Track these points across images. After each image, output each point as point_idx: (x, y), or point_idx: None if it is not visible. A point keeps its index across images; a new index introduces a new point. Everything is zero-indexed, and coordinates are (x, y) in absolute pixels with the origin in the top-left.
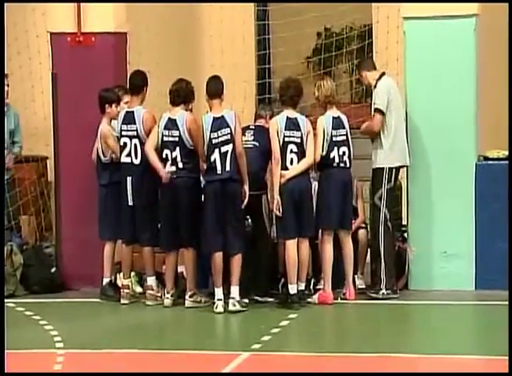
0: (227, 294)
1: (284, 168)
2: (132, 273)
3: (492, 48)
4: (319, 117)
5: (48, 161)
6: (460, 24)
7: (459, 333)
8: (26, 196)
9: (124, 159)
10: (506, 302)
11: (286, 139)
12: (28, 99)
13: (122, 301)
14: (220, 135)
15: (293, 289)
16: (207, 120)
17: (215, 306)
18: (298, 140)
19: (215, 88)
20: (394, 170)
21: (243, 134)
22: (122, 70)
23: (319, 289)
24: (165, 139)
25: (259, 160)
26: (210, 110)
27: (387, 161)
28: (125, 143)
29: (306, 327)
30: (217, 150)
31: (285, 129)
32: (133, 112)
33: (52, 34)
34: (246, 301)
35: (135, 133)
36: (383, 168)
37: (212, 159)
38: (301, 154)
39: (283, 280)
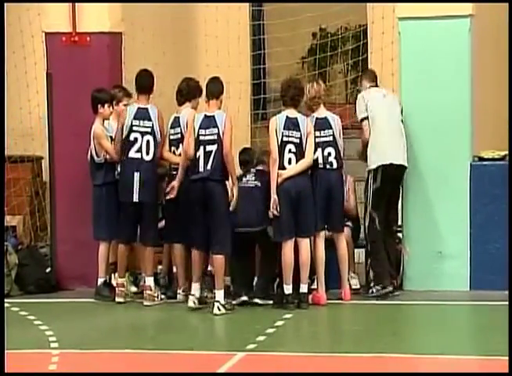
0: (233, 295)
1: (282, 167)
2: (127, 273)
3: (487, 49)
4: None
5: (43, 161)
6: (455, 25)
7: (454, 333)
8: (21, 196)
9: (134, 154)
10: (502, 302)
11: (285, 139)
12: (23, 98)
13: (117, 299)
14: (208, 133)
15: (288, 289)
16: (198, 117)
17: (188, 301)
18: (297, 140)
19: (212, 89)
20: (378, 170)
21: (245, 175)
22: (117, 70)
23: (313, 289)
24: (171, 137)
25: (261, 199)
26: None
27: (370, 163)
28: (136, 139)
29: (301, 327)
30: (202, 148)
31: (284, 128)
32: (147, 109)
33: (47, 33)
34: (235, 302)
35: (149, 130)
36: (369, 170)
37: (197, 156)
38: (300, 155)
39: (277, 280)
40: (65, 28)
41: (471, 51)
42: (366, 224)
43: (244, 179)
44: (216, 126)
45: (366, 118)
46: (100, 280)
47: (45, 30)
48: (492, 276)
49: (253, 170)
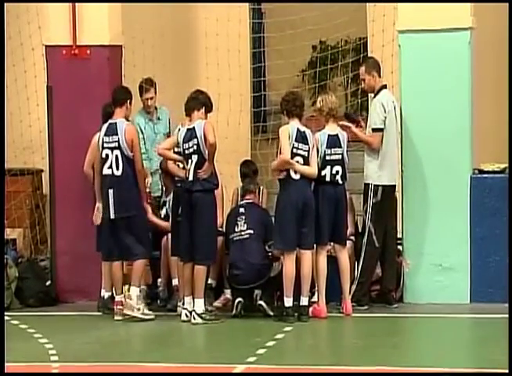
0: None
1: (288, 176)
2: (127, 286)
3: (487, 61)
4: (315, 132)
5: (43, 174)
6: (455, 37)
7: (454, 346)
8: (21, 209)
9: (106, 171)
10: (502, 315)
11: (295, 151)
12: (24, 111)
13: (116, 317)
14: (191, 145)
15: (288, 302)
16: (182, 131)
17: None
18: (305, 154)
19: (187, 104)
20: (381, 187)
21: (236, 224)
22: (117, 82)
23: (314, 302)
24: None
25: (259, 248)
26: None
27: (375, 178)
28: (107, 155)
29: (301, 340)
30: (189, 160)
31: (295, 140)
32: (115, 123)
33: (47, 46)
34: (213, 313)
35: (116, 145)
36: (369, 184)
37: (187, 168)
38: None
39: (278, 292)
40: (65, 41)
41: (471, 63)
42: (365, 239)
43: (237, 229)
44: (196, 137)
45: (382, 130)
46: (107, 294)
47: (45, 43)
48: (492, 289)
49: (241, 208)
